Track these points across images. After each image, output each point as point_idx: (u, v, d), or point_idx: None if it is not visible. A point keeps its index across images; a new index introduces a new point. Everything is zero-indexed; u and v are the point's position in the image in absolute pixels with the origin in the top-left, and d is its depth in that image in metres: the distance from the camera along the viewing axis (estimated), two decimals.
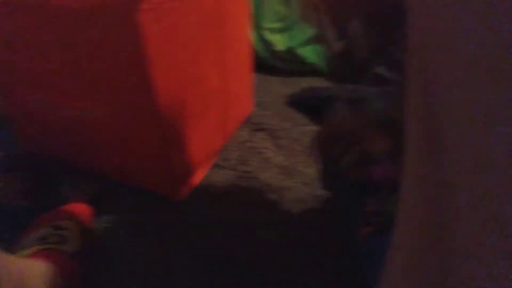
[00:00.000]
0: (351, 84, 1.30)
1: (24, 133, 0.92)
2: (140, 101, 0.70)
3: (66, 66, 0.72)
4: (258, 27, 1.48)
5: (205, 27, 0.78)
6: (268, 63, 1.48)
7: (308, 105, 1.20)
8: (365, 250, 0.62)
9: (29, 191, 0.80)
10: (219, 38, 0.85)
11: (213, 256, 0.72)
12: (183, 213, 0.80)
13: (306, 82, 1.40)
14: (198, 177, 0.89)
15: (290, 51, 1.45)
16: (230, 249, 0.73)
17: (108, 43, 0.65)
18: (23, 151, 0.94)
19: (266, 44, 1.46)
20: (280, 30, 1.48)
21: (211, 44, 0.83)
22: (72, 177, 0.85)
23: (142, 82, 0.67)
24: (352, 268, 0.69)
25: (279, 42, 1.46)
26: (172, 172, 0.77)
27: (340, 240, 0.75)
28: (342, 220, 0.77)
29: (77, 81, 0.73)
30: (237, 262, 0.71)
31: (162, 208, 0.81)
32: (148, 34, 0.62)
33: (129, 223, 0.78)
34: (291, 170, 0.94)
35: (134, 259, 0.71)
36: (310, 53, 1.46)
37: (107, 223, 0.77)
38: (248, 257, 0.72)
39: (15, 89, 0.83)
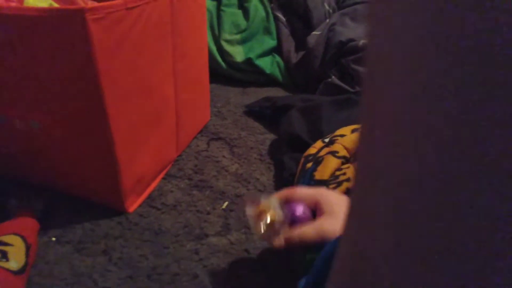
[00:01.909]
0: (307, 93, 1.34)
1: None
2: (89, 111, 0.69)
3: (14, 76, 0.70)
4: (217, 38, 1.49)
5: (159, 37, 0.78)
6: (226, 74, 1.49)
7: (265, 114, 1.22)
8: None
9: None
10: (173, 48, 0.86)
11: (161, 271, 0.71)
12: (132, 224, 0.79)
13: (264, 92, 1.43)
14: (150, 187, 0.88)
15: (248, 62, 1.47)
16: (180, 262, 0.72)
17: (57, 53, 0.64)
18: None
19: (225, 55, 1.48)
20: (239, 42, 1.50)
21: (165, 54, 0.83)
22: (17, 190, 0.82)
23: (91, 92, 0.66)
24: None
25: (238, 53, 1.48)
26: (120, 184, 0.76)
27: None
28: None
29: (25, 91, 0.72)
30: (185, 276, 0.70)
31: (110, 220, 0.80)
32: (97, 43, 0.61)
33: (76, 236, 0.76)
34: (247, 178, 0.94)
35: (80, 273, 0.69)
36: (267, 64, 1.49)
37: (54, 237, 0.75)
38: (197, 270, 0.71)
39: None
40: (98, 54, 0.62)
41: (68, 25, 0.60)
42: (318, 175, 0.76)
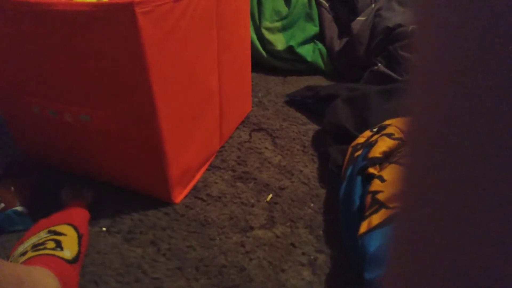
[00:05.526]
0: (350, 82, 1.30)
1: (22, 140, 0.92)
2: (138, 104, 0.69)
3: (66, 71, 0.72)
4: (257, 27, 1.47)
5: (204, 29, 0.78)
6: (266, 63, 1.47)
7: (307, 104, 1.19)
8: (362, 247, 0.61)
9: (27, 197, 0.79)
10: (218, 39, 0.85)
11: (208, 262, 0.71)
12: (179, 215, 0.80)
13: (306, 81, 1.40)
14: (196, 178, 0.88)
15: (289, 50, 1.44)
16: (226, 254, 0.72)
17: (107, 47, 0.65)
18: (21, 158, 0.94)
19: (266, 43, 1.46)
20: (280, 30, 1.47)
21: (209, 46, 0.83)
22: (69, 182, 0.84)
23: (141, 85, 0.66)
24: (353, 268, 0.69)
25: (279, 41, 1.46)
26: (168, 175, 0.77)
27: (344, 238, 0.75)
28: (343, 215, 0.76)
29: (76, 86, 0.73)
30: (232, 268, 0.70)
31: (158, 211, 0.81)
32: (146, 36, 0.61)
33: (125, 226, 0.77)
34: (290, 170, 0.93)
35: (130, 264, 0.70)
36: (309, 52, 1.46)
37: (104, 227, 0.77)
38: (244, 263, 0.71)
39: (13, 96, 0.83)
40: (147, 47, 0.62)
41: (117, 18, 0.60)
42: (370, 154, 0.73)
